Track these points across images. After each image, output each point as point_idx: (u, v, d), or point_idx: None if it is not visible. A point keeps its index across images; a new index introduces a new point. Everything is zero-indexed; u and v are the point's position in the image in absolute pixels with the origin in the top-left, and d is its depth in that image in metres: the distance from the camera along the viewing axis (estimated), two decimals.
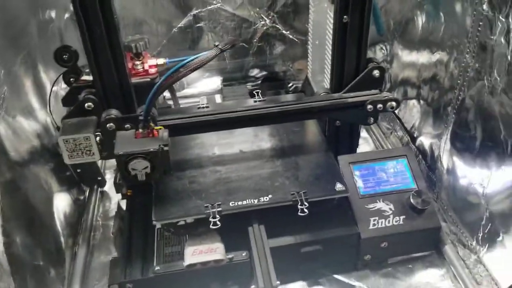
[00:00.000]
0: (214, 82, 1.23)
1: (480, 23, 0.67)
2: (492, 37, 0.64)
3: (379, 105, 0.78)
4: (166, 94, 1.03)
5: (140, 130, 0.71)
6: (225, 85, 1.22)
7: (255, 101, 0.87)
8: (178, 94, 1.12)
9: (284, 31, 1.18)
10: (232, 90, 1.19)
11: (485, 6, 0.65)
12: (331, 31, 0.78)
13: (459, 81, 0.75)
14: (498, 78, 0.63)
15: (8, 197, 0.67)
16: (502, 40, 0.62)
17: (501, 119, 0.64)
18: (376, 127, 1.11)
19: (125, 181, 0.72)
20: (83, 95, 0.76)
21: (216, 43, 0.70)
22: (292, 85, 1.24)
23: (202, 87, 1.23)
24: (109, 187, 1.00)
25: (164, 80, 0.67)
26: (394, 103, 0.78)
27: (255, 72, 1.23)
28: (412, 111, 0.98)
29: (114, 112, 0.74)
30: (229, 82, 1.23)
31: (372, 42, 1.10)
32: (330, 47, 0.79)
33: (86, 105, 0.74)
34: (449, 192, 0.82)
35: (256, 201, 0.74)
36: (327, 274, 0.79)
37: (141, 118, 0.70)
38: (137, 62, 0.79)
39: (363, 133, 1.12)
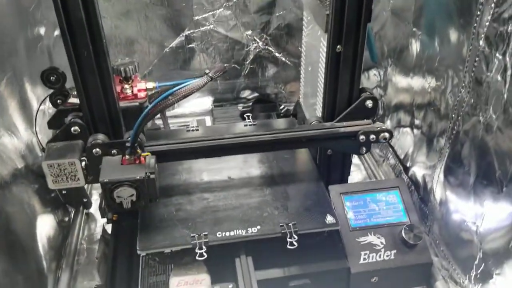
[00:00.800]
0: (204, 102, 1.22)
1: (476, 58, 0.66)
2: (489, 73, 0.63)
3: (372, 136, 0.77)
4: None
5: (127, 156, 0.69)
6: (215, 106, 1.21)
7: (246, 125, 0.85)
8: (168, 113, 1.11)
9: (276, 54, 1.17)
10: (223, 111, 1.18)
11: (481, 42, 0.64)
12: (324, 59, 0.77)
13: (454, 114, 0.74)
14: (494, 116, 0.62)
15: None
16: (499, 77, 0.61)
17: (496, 158, 0.63)
18: (368, 155, 1.10)
19: (110, 209, 0.70)
20: (70, 118, 0.74)
21: (207, 71, 0.69)
22: (284, 107, 1.23)
23: (192, 107, 1.21)
24: (95, 208, 0.97)
25: (152, 107, 0.66)
26: (387, 134, 0.77)
27: (246, 93, 1.22)
28: (405, 139, 0.96)
29: (100, 137, 0.72)
30: (220, 103, 1.21)
31: (366, 68, 1.09)
32: (323, 74, 0.78)
33: (72, 129, 0.72)
34: (441, 226, 0.81)
35: (244, 232, 0.72)
36: None
37: (128, 144, 0.69)
38: (126, 86, 0.77)
39: (355, 160, 1.11)
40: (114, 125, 0.73)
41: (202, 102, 1.21)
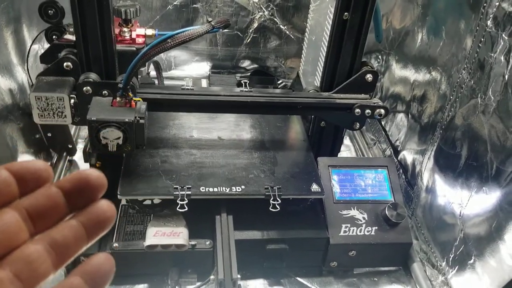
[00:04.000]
0: (202, 67, 1.20)
1: (482, 39, 0.65)
2: (492, 54, 0.62)
3: (367, 111, 0.76)
4: (152, 72, 1.01)
5: (118, 99, 0.68)
6: (213, 72, 1.19)
7: (241, 91, 0.84)
8: (165, 74, 1.09)
9: (281, 26, 1.16)
10: (220, 78, 1.16)
11: (489, 22, 0.63)
12: (329, 29, 0.75)
13: (451, 97, 0.74)
14: (492, 97, 0.62)
15: None
16: (502, 58, 0.60)
17: (490, 140, 0.62)
18: (360, 136, 1.09)
19: (94, 149, 0.69)
20: (63, 54, 0.72)
21: (209, 19, 0.67)
22: (282, 83, 1.21)
23: (189, 71, 1.19)
24: (79, 157, 0.95)
25: (150, 48, 0.64)
26: (382, 111, 0.76)
27: (246, 63, 1.20)
28: (399, 125, 0.96)
29: (93, 76, 0.70)
30: (218, 70, 1.19)
31: (368, 50, 1.08)
32: (326, 46, 0.77)
33: (65, 64, 0.70)
34: (425, 210, 0.81)
35: (227, 189, 0.71)
36: (290, 275, 0.76)
37: (120, 86, 0.67)
38: (125, 29, 0.75)
39: (346, 141, 1.10)
40: (108, 66, 0.71)
41: (200, 67, 1.19)
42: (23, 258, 0.24)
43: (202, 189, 0.70)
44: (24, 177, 0.25)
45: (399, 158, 0.93)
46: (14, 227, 0.25)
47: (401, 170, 0.90)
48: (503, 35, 0.60)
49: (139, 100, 0.69)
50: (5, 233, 0.24)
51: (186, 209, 0.68)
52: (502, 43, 0.60)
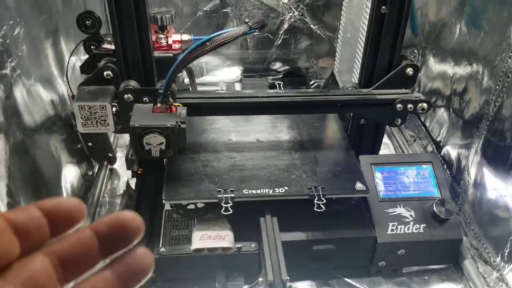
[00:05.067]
0: (234, 72, 1.20)
1: None
2: None
3: (410, 105, 0.74)
4: (185, 79, 1.01)
5: (158, 105, 0.68)
6: (245, 76, 1.19)
7: (276, 92, 0.84)
8: (197, 80, 1.10)
9: (312, 25, 1.15)
10: (252, 82, 1.16)
11: None
12: (366, 24, 0.74)
13: (497, 87, 0.71)
14: None
15: (16, 158, 0.64)
16: None
17: None
18: (399, 134, 1.07)
19: (138, 156, 0.69)
20: (103, 63, 0.73)
21: (246, 20, 0.67)
22: (314, 83, 1.20)
23: (221, 76, 1.19)
24: (119, 165, 0.96)
25: (189, 52, 0.64)
26: (425, 105, 0.74)
27: (277, 65, 1.20)
28: (440, 120, 0.94)
29: (133, 84, 0.71)
30: (249, 74, 1.19)
31: (404, 45, 1.06)
32: (363, 42, 0.75)
33: (105, 73, 0.71)
34: (474, 205, 0.78)
35: (271, 191, 0.70)
36: (338, 276, 0.75)
37: (160, 91, 0.67)
38: (161, 36, 0.76)
39: (384, 139, 1.07)
40: (147, 73, 0.72)
41: (231, 71, 1.20)
42: None
43: (245, 191, 0.70)
44: (56, 217, 0.23)
45: (442, 153, 0.91)
46: (44, 277, 0.22)
47: (445, 166, 0.88)
48: None
49: (179, 105, 0.69)
50: (34, 283, 0.22)
51: (231, 212, 0.68)
52: None
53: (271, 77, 1.19)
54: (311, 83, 1.20)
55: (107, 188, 0.92)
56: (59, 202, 0.24)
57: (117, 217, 0.25)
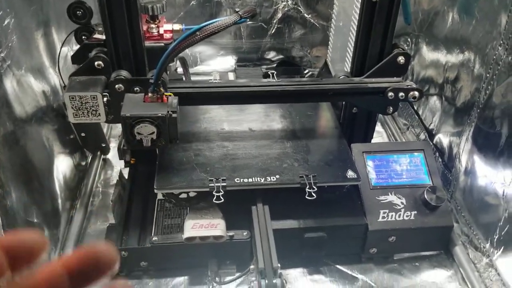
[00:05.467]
0: (228, 61, 1.20)
1: None
2: None
3: (401, 94, 0.74)
4: (178, 68, 1.01)
5: (150, 94, 0.68)
6: (239, 66, 1.19)
7: (269, 81, 0.83)
8: (191, 70, 1.10)
9: (305, 14, 1.14)
10: (246, 71, 1.16)
11: None
12: (357, 13, 0.74)
13: (488, 75, 0.72)
14: None
15: (7, 148, 0.64)
16: None
17: None
18: (392, 122, 1.07)
19: (129, 146, 0.69)
20: (94, 53, 0.73)
21: (237, 9, 0.67)
22: (308, 72, 1.20)
23: (215, 65, 1.19)
24: (112, 155, 0.97)
25: (180, 42, 0.64)
26: (416, 93, 0.74)
27: (271, 55, 1.20)
28: (432, 108, 0.94)
29: (124, 73, 0.71)
30: (243, 63, 1.19)
31: (397, 34, 1.06)
32: (355, 30, 0.75)
33: (96, 63, 0.71)
34: (465, 192, 0.79)
35: (262, 180, 0.71)
36: (330, 263, 0.75)
37: (151, 81, 0.67)
38: (152, 26, 0.76)
39: (378, 127, 1.08)
40: (138, 63, 0.72)
41: (225, 61, 1.19)
42: None
43: (237, 180, 0.70)
44: (16, 252, 0.22)
45: (434, 141, 0.91)
46: None
47: (437, 154, 0.88)
48: None
49: (170, 95, 0.69)
50: None
51: (222, 200, 0.68)
52: None
53: (265, 67, 1.19)
54: (305, 72, 1.20)
55: (101, 178, 0.92)
56: (19, 236, 0.23)
57: (90, 250, 0.23)
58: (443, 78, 0.88)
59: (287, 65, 1.18)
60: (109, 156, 0.97)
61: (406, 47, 1.05)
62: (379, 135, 1.06)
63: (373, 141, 0.89)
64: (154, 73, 0.66)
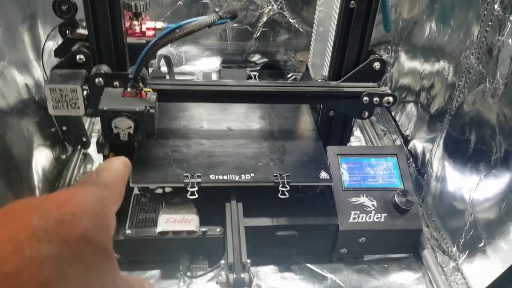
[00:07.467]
0: (213, 62, 1.21)
1: (490, 23, 0.65)
2: (500, 38, 0.62)
3: (376, 98, 0.76)
4: (163, 68, 1.02)
5: (129, 89, 0.69)
6: (223, 67, 1.20)
7: (247, 82, 0.85)
8: (176, 69, 1.11)
9: (290, 19, 1.16)
10: (231, 73, 1.17)
11: (496, 6, 0.63)
12: (335, 18, 0.76)
13: (460, 83, 0.74)
14: (501, 81, 0.62)
15: None
16: (510, 41, 0.60)
17: (498, 123, 0.62)
18: (370, 127, 1.09)
19: (106, 139, 0.70)
20: (76, 47, 0.74)
21: (217, 9, 0.68)
22: (291, 76, 1.22)
23: (200, 66, 1.21)
24: (93, 149, 0.97)
25: (159, 39, 0.65)
26: (391, 98, 0.76)
27: (256, 57, 1.21)
28: (408, 115, 0.96)
29: (104, 68, 0.72)
30: (228, 65, 1.21)
31: (378, 42, 1.08)
32: (333, 35, 0.77)
33: (77, 57, 0.73)
34: (435, 197, 0.81)
35: (237, 177, 0.72)
36: (300, 262, 0.77)
37: (130, 76, 0.69)
38: (135, 23, 0.77)
39: (357, 132, 1.10)
40: (119, 58, 0.73)
41: (210, 62, 1.21)
42: None
43: (212, 177, 0.72)
44: None
45: (409, 147, 0.93)
46: None
47: (411, 159, 0.90)
48: (511, 18, 0.60)
49: (149, 91, 0.70)
50: None
51: (196, 196, 0.69)
52: (509, 25, 0.60)
53: (249, 69, 1.20)
54: (288, 76, 1.22)
55: (80, 172, 0.93)
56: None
57: None
58: (420, 85, 0.91)
59: (271, 69, 1.19)
60: (90, 150, 0.98)
61: (386, 55, 1.07)
62: (357, 140, 1.08)
63: (351, 145, 0.90)
64: (133, 68, 0.68)
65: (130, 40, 0.75)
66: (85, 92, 0.71)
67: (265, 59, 1.21)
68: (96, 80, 0.71)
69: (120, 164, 0.31)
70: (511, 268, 0.52)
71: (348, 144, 0.89)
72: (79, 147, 0.96)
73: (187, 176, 0.71)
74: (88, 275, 0.22)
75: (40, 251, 0.21)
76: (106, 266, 0.24)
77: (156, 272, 0.74)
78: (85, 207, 0.24)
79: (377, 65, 0.77)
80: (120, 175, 0.30)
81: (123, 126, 0.68)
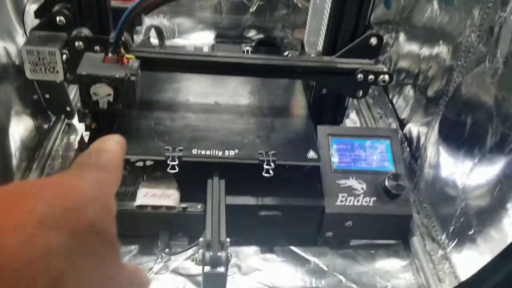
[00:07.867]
0: (207, 36, 1.17)
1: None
2: (502, 13, 0.58)
3: (370, 76, 0.73)
4: (155, 40, 0.98)
5: (110, 55, 0.65)
6: (217, 42, 1.16)
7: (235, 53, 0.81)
8: (168, 42, 1.07)
9: None
10: (225, 48, 1.13)
11: None
12: None
13: (459, 63, 0.70)
14: (500, 60, 0.58)
15: None
16: None
17: (496, 104, 0.59)
18: (367, 110, 1.06)
19: (85, 106, 0.67)
20: (57, 8, 0.70)
21: None
22: (288, 54, 1.18)
23: (193, 39, 1.16)
24: (77, 120, 0.94)
25: (142, 0, 0.62)
26: (386, 77, 0.73)
27: (251, 33, 1.17)
28: (406, 98, 0.92)
29: (85, 31, 0.68)
30: (222, 39, 1.16)
31: (378, 21, 1.04)
32: (329, 7, 0.73)
33: (58, 19, 0.69)
34: (428, 183, 0.78)
35: (220, 153, 0.69)
36: (283, 244, 0.74)
37: (112, 41, 0.65)
38: None
39: (353, 115, 1.07)
40: (101, 22, 0.69)
41: (204, 36, 1.16)
42: None
43: (194, 151, 0.69)
44: None
45: (404, 131, 0.90)
46: None
47: (406, 143, 0.87)
48: None
49: (132, 58, 0.67)
50: None
51: (177, 170, 0.66)
52: None
53: (244, 45, 1.16)
54: (285, 54, 1.17)
55: (63, 142, 0.90)
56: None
57: None
58: (418, 67, 0.87)
59: (267, 45, 1.15)
60: (74, 121, 0.94)
61: (387, 35, 1.03)
62: (353, 123, 1.04)
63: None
64: (115, 31, 0.64)
65: (114, 3, 0.71)
66: (64, 56, 0.68)
67: (261, 35, 1.17)
68: (76, 43, 0.67)
69: (116, 143, 0.28)
70: (496, 258, 0.49)
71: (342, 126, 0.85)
72: (62, 117, 0.92)
73: (168, 149, 0.68)
74: (97, 265, 0.22)
75: (50, 241, 0.19)
76: (113, 256, 0.23)
77: (134, 248, 0.71)
78: (90, 195, 0.23)
79: (373, 40, 0.73)
80: (117, 156, 0.28)
81: (102, 93, 0.64)
